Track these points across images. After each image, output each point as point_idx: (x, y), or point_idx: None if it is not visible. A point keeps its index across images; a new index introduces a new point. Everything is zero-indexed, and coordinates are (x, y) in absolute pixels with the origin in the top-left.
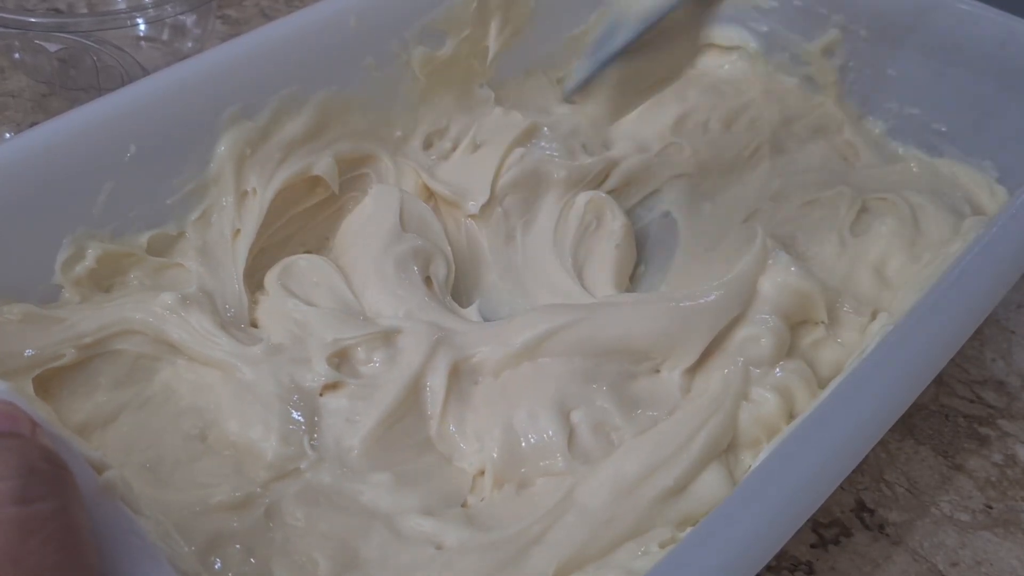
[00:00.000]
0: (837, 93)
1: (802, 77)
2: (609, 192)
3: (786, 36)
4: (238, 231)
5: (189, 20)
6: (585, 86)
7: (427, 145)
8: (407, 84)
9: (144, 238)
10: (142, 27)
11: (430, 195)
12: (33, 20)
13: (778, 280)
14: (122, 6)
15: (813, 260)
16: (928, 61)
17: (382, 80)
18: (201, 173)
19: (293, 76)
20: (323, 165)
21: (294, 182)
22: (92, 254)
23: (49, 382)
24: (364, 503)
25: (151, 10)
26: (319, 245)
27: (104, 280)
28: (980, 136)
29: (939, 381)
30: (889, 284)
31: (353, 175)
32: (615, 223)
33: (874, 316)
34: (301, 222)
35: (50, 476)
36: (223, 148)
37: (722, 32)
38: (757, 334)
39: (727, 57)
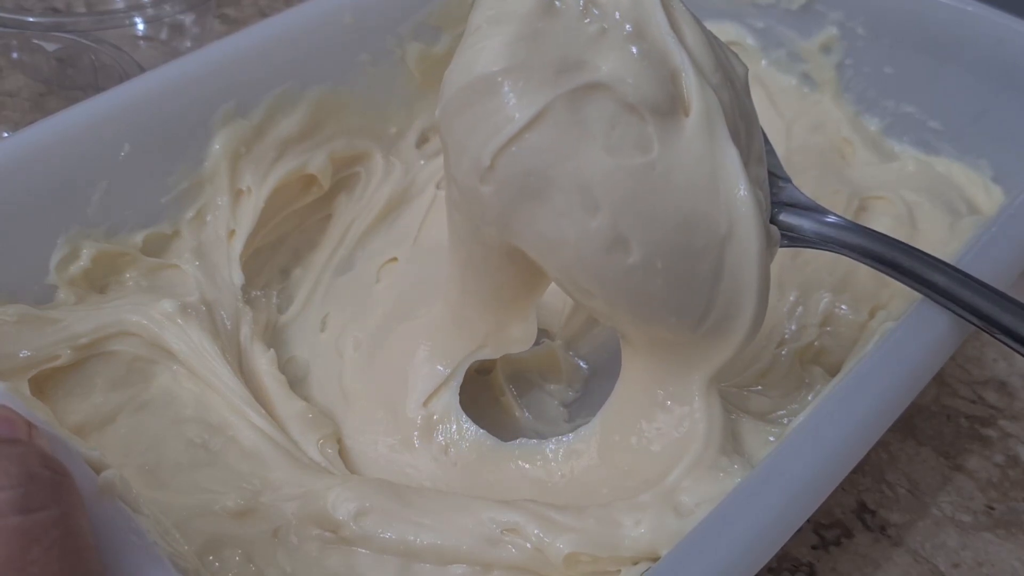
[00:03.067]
0: (834, 90)
1: (799, 74)
2: None
3: (783, 33)
4: (233, 231)
5: (187, 19)
6: None
7: (422, 141)
8: (402, 80)
9: (139, 237)
10: (140, 26)
11: None
12: (31, 19)
13: None
14: (120, 5)
15: (813, 263)
16: (925, 59)
17: (377, 76)
18: (196, 171)
19: (288, 73)
20: (318, 163)
21: (288, 181)
22: (87, 254)
23: (45, 383)
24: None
25: (149, 9)
26: (310, 248)
27: (99, 280)
28: (976, 135)
29: (941, 382)
30: (887, 283)
31: (345, 174)
32: None
33: (872, 315)
34: (294, 222)
35: (51, 483)
36: (218, 146)
37: (718, 28)
38: None
39: None
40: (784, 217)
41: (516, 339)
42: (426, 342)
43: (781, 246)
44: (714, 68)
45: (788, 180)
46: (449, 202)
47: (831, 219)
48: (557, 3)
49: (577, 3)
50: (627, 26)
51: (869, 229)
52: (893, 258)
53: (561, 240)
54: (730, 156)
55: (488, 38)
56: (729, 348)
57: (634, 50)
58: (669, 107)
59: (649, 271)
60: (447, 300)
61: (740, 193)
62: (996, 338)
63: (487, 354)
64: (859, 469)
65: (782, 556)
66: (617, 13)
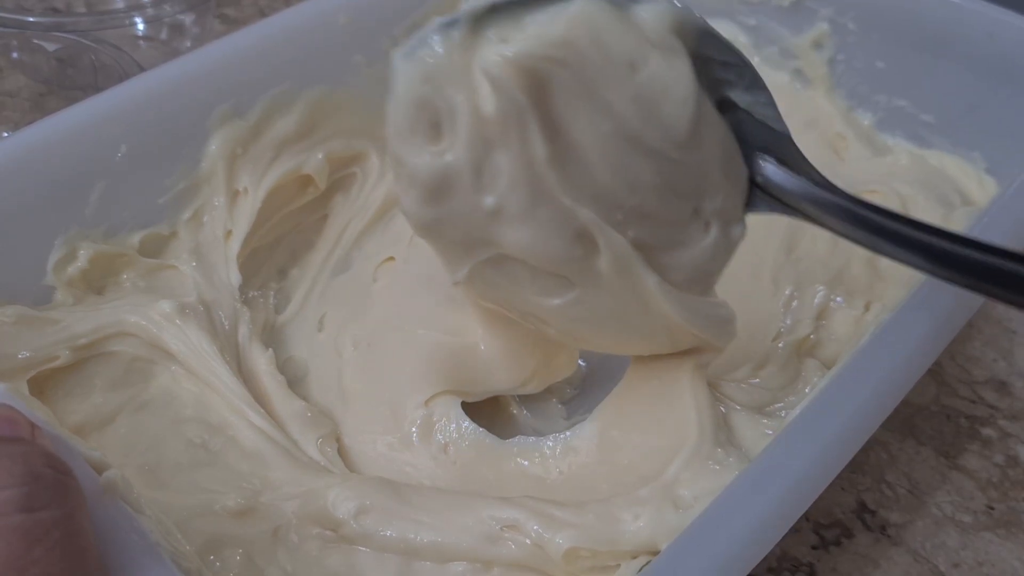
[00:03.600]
0: (827, 86)
1: (791, 71)
2: None
3: (775, 30)
4: (230, 232)
5: (187, 19)
6: None
7: None
8: None
9: (136, 238)
10: (140, 26)
11: None
12: (31, 19)
13: None
14: (120, 5)
15: (807, 258)
16: (916, 53)
17: (373, 77)
18: (193, 172)
19: (284, 74)
20: (314, 163)
21: (285, 181)
22: (84, 255)
23: (44, 384)
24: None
25: (149, 9)
26: (307, 248)
27: (96, 281)
28: (968, 127)
29: (941, 381)
30: (882, 276)
31: (342, 175)
32: None
33: (867, 308)
34: (291, 223)
35: (54, 482)
36: (214, 147)
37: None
38: None
39: None
40: (769, 174)
41: (561, 367)
42: (465, 371)
43: (760, 211)
44: (629, 190)
45: (784, 134)
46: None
47: (816, 186)
48: (451, 174)
49: (470, 176)
50: (521, 196)
51: (855, 197)
52: (879, 224)
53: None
54: (651, 281)
55: (404, 192)
56: (710, 354)
57: (529, 228)
58: (580, 260)
59: (610, 347)
60: (491, 344)
61: (668, 311)
62: (1000, 298)
63: (531, 389)
64: (859, 469)
65: (782, 556)
66: (506, 183)
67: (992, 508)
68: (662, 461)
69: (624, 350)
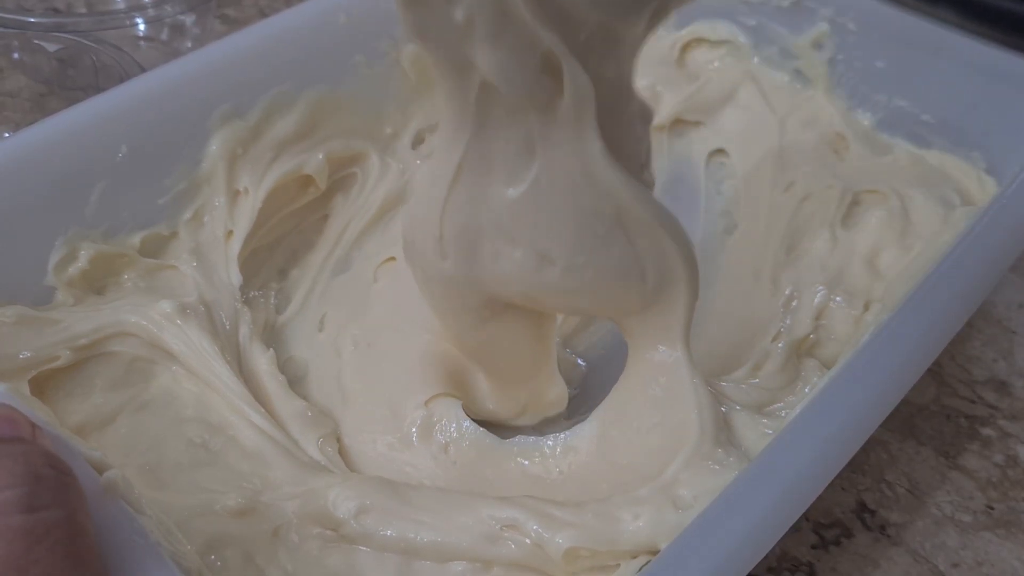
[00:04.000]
0: (826, 86)
1: (791, 71)
2: None
3: (775, 30)
4: (230, 232)
5: (188, 20)
6: None
7: (417, 142)
8: (397, 82)
9: (136, 238)
10: (141, 27)
11: None
12: (32, 20)
13: None
14: (121, 6)
15: (806, 257)
16: (916, 53)
17: (372, 78)
18: (193, 172)
19: (284, 74)
20: (314, 164)
21: (285, 181)
22: (85, 255)
23: (45, 384)
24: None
25: (150, 10)
26: (308, 248)
27: (97, 281)
28: (968, 127)
29: (940, 381)
30: (881, 276)
31: (342, 175)
32: None
33: (867, 308)
34: (291, 224)
35: (55, 482)
36: (215, 147)
37: (711, 27)
38: None
39: (716, 52)
40: None
41: (551, 402)
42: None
43: None
44: (591, 3)
45: None
46: (435, 310)
47: None
48: None
49: None
50: (488, 13)
51: None
52: None
53: (505, 275)
54: (596, 147)
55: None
56: (683, 287)
57: (499, 51)
58: (548, 91)
59: (576, 269)
60: (486, 380)
61: (613, 185)
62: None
63: (525, 422)
64: (859, 469)
65: (782, 556)
66: None
67: (992, 508)
68: (662, 461)
69: (591, 291)
